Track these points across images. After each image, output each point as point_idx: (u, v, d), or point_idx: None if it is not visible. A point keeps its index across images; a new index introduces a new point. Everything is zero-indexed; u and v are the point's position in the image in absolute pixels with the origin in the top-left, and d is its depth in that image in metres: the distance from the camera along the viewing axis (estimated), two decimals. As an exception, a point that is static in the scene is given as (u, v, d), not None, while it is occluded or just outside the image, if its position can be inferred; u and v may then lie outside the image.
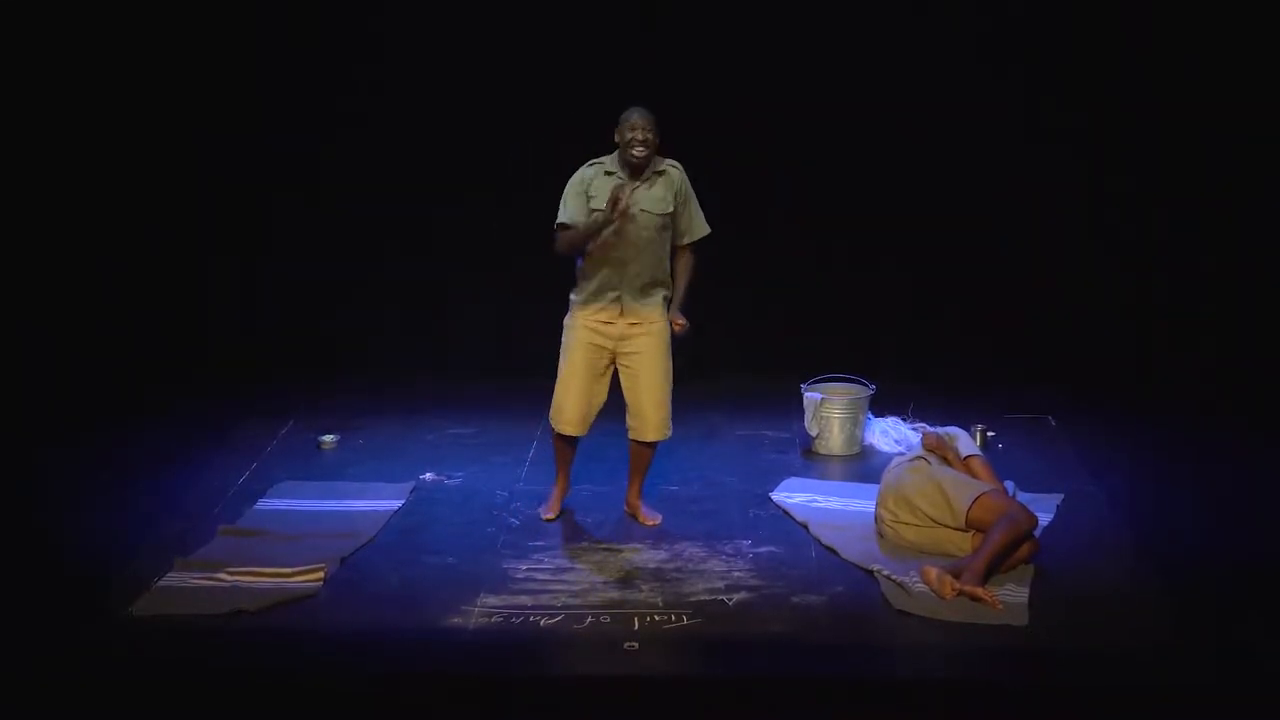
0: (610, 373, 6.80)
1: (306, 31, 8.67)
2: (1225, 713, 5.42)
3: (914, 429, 7.91)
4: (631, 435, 6.85)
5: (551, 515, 6.98)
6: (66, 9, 8.39)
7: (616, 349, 6.72)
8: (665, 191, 6.60)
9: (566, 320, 6.81)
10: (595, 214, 6.55)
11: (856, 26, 8.58)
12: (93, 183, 8.62)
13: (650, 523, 6.89)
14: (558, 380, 6.83)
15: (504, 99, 8.71)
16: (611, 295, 6.66)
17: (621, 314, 6.68)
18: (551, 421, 6.88)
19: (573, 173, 6.72)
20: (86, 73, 8.49)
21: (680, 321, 6.71)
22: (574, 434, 6.84)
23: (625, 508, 7.03)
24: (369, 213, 8.93)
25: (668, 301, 6.74)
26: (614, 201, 6.44)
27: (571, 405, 6.77)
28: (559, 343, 6.90)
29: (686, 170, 6.72)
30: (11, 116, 8.35)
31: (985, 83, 8.63)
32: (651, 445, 6.85)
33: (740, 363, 8.99)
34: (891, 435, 7.97)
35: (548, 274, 8.83)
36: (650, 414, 6.75)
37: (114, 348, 8.63)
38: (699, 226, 6.73)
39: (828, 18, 8.58)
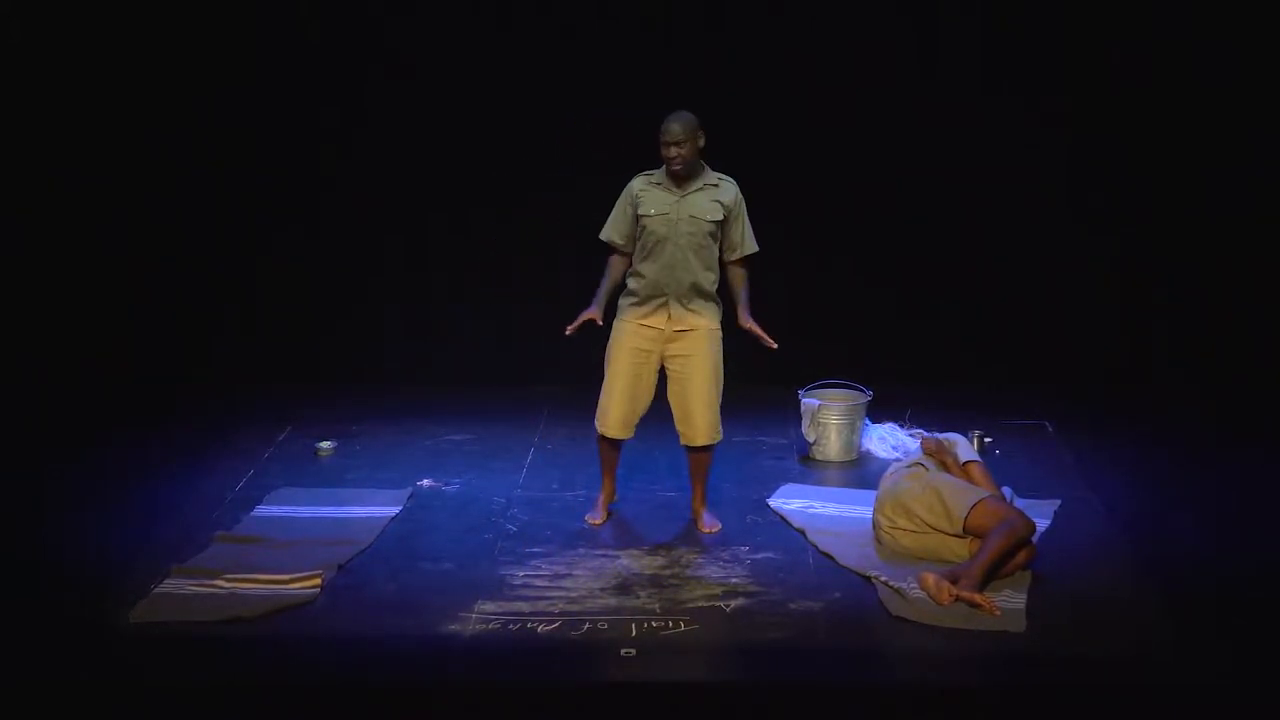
0: (655, 377, 6.83)
1: (305, 37, 8.67)
2: (1223, 718, 5.42)
3: (911, 435, 7.90)
4: (682, 441, 6.90)
5: (598, 520, 6.98)
6: (67, 9, 8.39)
7: (664, 352, 6.78)
8: (715, 201, 6.70)
9: (615, 323, 6.83)
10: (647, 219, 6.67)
11: (851, 27, 8.58)
12: (92, 190, 8.61)
13: (708, 530, 6.91)
14: (604, 384, 6.84)
15: (503, 103, 8.70)
16: (659, 301, 6.73)
17: (669, 319, 6.74)
18: (597, 424, 6.88)
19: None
20: (88, 78, 8.49)
21: (761, 333, 6.81)
22: (617, 437, 6.85)
23: (691, 514, 7.04)
24: (367, 219, 8.93)
25: (717, 311, 6.83)
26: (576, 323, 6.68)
27: (615, 408, 6.79)
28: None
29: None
30: (14, 120, 8.35)
31: (980, 84, 8.63)
32: (705, 449, 6.89)
33: (737, 369, 8.97)
34: (889, 441, 7.97)
35: (546, 280, 8.87)
36: (699, 418, 6.80)
37: (112, 354, 8.62)
38: (748, 243, 6.82)
39: (823, 23, 8.58)
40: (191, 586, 6.21)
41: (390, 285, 9.06)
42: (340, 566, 6.47)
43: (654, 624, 5.96)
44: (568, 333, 6.70)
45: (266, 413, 8.47)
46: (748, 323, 6.83)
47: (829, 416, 7.84)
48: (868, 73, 8.59)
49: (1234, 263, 8.67)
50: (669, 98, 8.49)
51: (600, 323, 6.72)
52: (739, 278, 6.85)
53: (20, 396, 8.15)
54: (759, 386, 8.69)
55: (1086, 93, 8.60)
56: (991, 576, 6.16)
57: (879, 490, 6.78)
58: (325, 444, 8.00)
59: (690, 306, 6.73)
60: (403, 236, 8.98)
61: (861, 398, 7.90)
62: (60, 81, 8.45)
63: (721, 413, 7.80)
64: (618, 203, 6.79)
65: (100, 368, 8.54)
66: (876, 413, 8.06)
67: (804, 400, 7.88)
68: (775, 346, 6.80)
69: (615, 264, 6.82)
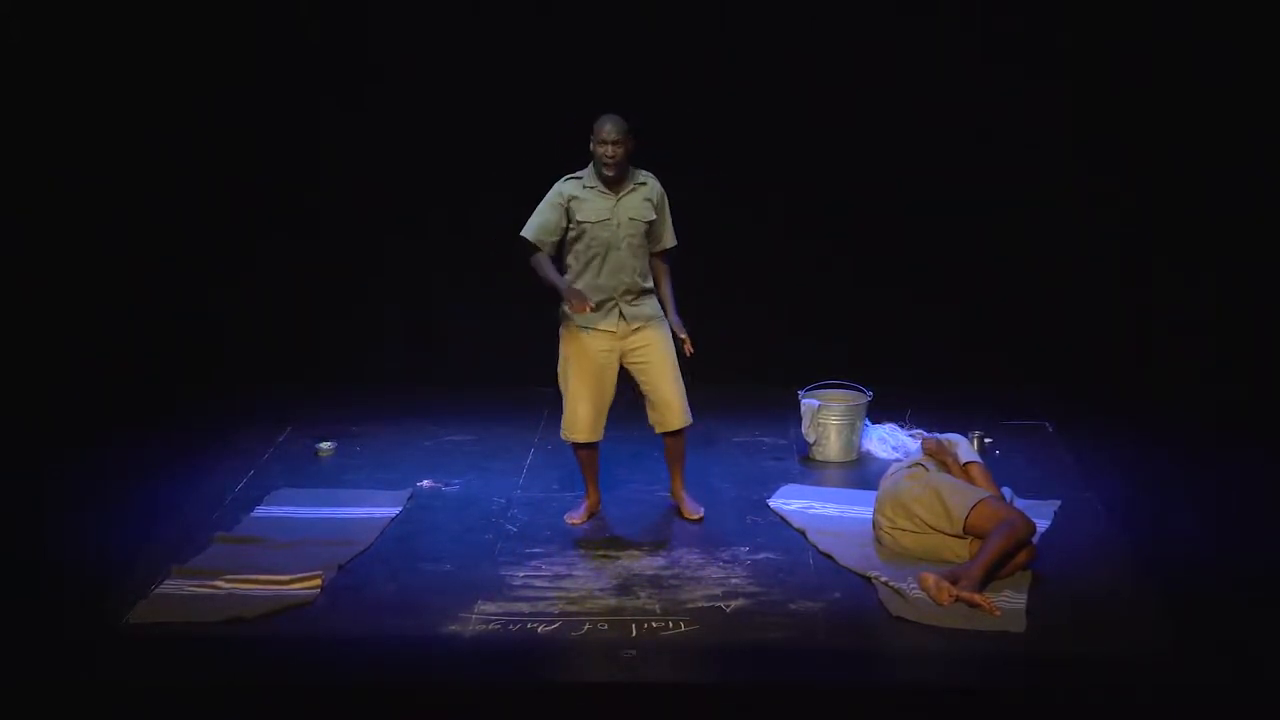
0: (616, 377, 6.85)
1: (305, 37, 8.68)
2: (1223, 718, 5.42)
3: (912, 435, 7.91)
4: (658, 429, 6.93)
5: (577, 520, 6.99)
6: (67, 9, 8.40)
7: (623, 348, 6.80)
8: (645, 200, 6.76)
9: (564, 333, 6.84)
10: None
11: (851, 27, 8.58)
12: (92, 190, 8.61)
13: (693, 517, 6.96)
14: (567, 394, 6.86)
15: (503, 102, 8.70)
16: (609, 305, 6.75)
17: (621, 318, 6.76)
18: (566, 435, 6.90)
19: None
20: (88, 77, 8.49)
21: (685, 335, 6.81)
22: (591, 440, 6.89)
23: (670, 497, 7.08)
24: (367, 219, 8.93)
25: (655, 301, 6.86)
26: (579, 301, 6.56)
27: (584, 415, 6.82)
28: (558, 349, 6.91)
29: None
30: (14, 120, 8.34)
31: (981, 83, 8.63)
32: (681, 434, 6.91)
33: (737, 369, 8.99)
34: (889, 442, 7.96)
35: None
36: (673, 402, 6.83)
37: (112, 356, 8.62)
38: (670, 236, 6.90)
39: (824, 20, 8.57)
40: (191, 587, 6.21)
41: (390, 285, 9.06)
42: (340, 567, 6.47)
43: (654, 625, 5.96)
44: (589, 309, 6.61)
45: (266, 413, 8.48)
46: (677, 326, 6.83)
47: (829, 417, 7.84)
48: (868, 73, 8.59)
49: (1234, 262, 8.67)
50: (669, 97, 8.55)
51: (593, 305, 6.64)
52: (662, 270, 6.91)
53: (20, 396, 8.15)
54: (759, 386, 8.71)
55: (1087, 92, 8.60)
56: (991, 577, 6.16)
57: (879, 491, 6.77)
58: (325, 444, 8.00)
59: (636, 303, 6.79)
60: (403, 236, 8.98)
61: (861, 398, 7.90)
62: (60, 81, 8.45)
63: (723, 412, 7.84)
64: (546, 204, 6.74)
65: (100, 368, 8.54)
66: (876, 413, 8.06)
67: (804, 401, 7.88)
68: (691, 353, 6.79)
69: (543, 259, 6.75)
